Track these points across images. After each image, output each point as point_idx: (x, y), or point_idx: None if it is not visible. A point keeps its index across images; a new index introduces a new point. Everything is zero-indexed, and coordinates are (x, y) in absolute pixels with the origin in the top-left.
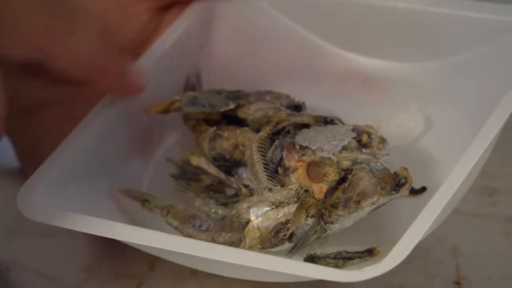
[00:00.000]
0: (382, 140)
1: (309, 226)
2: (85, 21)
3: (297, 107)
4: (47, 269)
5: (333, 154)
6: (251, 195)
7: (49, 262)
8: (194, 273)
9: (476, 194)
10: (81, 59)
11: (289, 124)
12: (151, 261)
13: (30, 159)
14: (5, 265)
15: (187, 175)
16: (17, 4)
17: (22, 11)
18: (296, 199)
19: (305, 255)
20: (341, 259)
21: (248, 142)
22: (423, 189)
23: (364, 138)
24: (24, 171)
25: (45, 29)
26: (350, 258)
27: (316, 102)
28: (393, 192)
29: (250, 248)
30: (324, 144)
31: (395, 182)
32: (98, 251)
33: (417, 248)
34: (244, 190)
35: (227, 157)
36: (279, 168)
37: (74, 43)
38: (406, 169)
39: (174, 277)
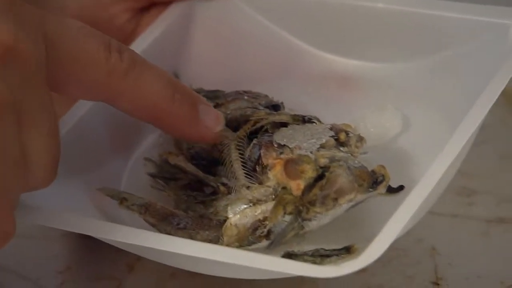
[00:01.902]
0: (360, 139)
1: (286, 223)
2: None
3: (276, 107)
4: (25, 270)
5: (311, 152)
6: (229, 193)
7: (27, 263)
8: (174, 273)
9: (454, 194)
10: (146, 102)
11: (267, 123)
12: (130, 262)
13: None
14: None
15: (165, 174)
16: (73, 47)
17: (81, 53)
18: (273, 196)
19: (282, 253)
20: (319, 257)
21: (226, 140)
22: (401, 187)
23: (342, 136)
24: None
25: (106, 70)
26: (327, 256)
27: (294, 102)
28: (370, 189)
29: (228, 246)
30: (302, 142)
31: (373, 180)
32: (76, 253)
33: (395, 249)
34: (222, 188)
35: (205, 155)
36: (257, 166)
37: (139, 84)
38: (383, 167)
39: (154, 278)
